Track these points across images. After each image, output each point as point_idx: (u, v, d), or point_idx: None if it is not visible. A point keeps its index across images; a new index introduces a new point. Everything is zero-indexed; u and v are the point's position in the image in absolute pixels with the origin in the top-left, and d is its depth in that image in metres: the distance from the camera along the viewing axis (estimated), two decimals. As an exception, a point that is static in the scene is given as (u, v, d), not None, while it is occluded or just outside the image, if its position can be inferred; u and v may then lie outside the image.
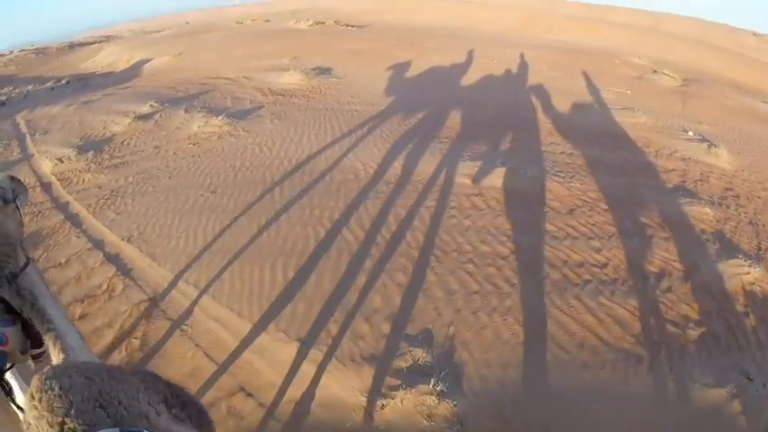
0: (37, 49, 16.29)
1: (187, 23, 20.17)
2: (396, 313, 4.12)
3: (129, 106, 8.69)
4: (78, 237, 5.13)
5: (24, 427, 1.14)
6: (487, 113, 8.20)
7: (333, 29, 15.76)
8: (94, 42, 16.50)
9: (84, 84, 10.98)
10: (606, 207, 5.53)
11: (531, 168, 6.25)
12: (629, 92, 10.29)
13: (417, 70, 10.77)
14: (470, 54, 12.24)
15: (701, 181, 6.40)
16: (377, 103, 8.38)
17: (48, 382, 1.14)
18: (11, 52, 15.64)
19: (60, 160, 6.87)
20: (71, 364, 1.33)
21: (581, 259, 4.68)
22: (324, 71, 10.36)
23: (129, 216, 5.36)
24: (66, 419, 1.06)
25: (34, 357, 1.79)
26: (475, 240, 5.00)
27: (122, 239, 4.97)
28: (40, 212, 5.70)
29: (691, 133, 7.96)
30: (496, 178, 6.06)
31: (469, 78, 10.36)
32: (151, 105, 8.51)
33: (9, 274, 1.71)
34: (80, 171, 6.57)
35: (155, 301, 4.18)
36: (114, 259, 4.72)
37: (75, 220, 5.46)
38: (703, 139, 7.68)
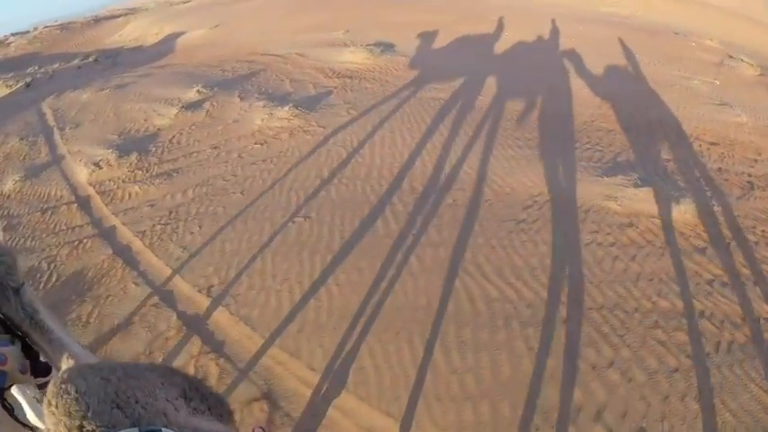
0: (61, 24, 15.03)
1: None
2: (603, 410, 2.86)
3: (171, 91, 7.25)
4: (137, 284, 3.78)
5: None
6: (591, 109, 6.67)
7: (378, -1, 14.08)
8: (120, 15, 15.11)
9: (113, 61, 9.57)
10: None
11: (672, 187, 4.86)
12: (717, 82, 8.81)
13: (492, 49, 9.22)
14: (541, 30, 10.59)
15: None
16: (463, 92, 6.91)
17: (63, 386, 1.11)
18: (35, 29, 14.43)
19: (98, 165, 5.50)
20: (85, 365, 1.29)
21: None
22: (387, 48, 8.82)
23: (200, 253, 4.00)
24: (84, 422, 1.04)
25: (40, 387, 1.73)
26: (651, 293, 3.60)
27: (200, 291, 3.62)
28: (79, 242, 4.36)
29: (793, 136, 6.52)
30: (644, 203, 4.61)
31: (552, 61, 8.77)
32: (198, 91, 7.07)
33: (14, 287, 1.69)
34: (124, 181, 5.21)
35: (271, 399, 2.82)
36: (194, 323, 3.38)
37: (127, 255, 4.12)
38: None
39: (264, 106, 6.49)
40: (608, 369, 3.02)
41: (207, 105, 6.75)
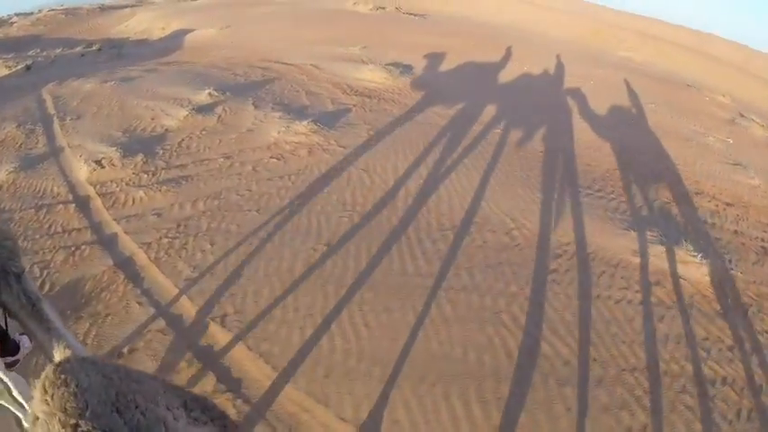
0: (67, 9, 14.57)
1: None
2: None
3: (180, 91, 6.89)
4: (140, 303, 3.42)
5: (29, 419, 1.07)
6: (612, 157, 6.54)
7: (395, 16, 13.99)
8: (126, 6, 14.72)
9: (118, 52, 9.17)
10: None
11: (694, 247, 4.72)
12: (731, 140, 8.84)
13: (510, 81, 9.09)
14: (559, 68, 10.52)
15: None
16: (485, 127, 6.70)
17: (63, 376, 1.07)
18: (39, 11, 13.94)
19: (99, 164, 5.11)
20: (86, 358, 1.25)
21: None
22: (406, 69, 8.60)
23: (212, 274, 3.65)
24: (80, 422, 1.00)
25: (8, 366, 1.73)
26: (679, 356, 3.55)
27: (213, 319, 3.25)
28: (76, 249, 3.97)
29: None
30: (669, 262, 4.50)
31: (571, 102, 8.63)
32: (210, 94, 6.73)
33: (15, 273, 1.67)
34: (128, 183, 4.83)
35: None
36: (207, 356, 3.02)
37: (129, 269, 3.75)
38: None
39: (281, 118, 6.18)
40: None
41: (219, 110, 6.40)
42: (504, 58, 10.58)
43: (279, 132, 5.83)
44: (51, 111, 6.36)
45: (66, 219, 4.44)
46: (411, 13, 14.86)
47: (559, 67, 10.57)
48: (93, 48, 9.43)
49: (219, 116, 6.28)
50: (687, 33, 21.06)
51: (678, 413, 3.07)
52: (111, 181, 4.95)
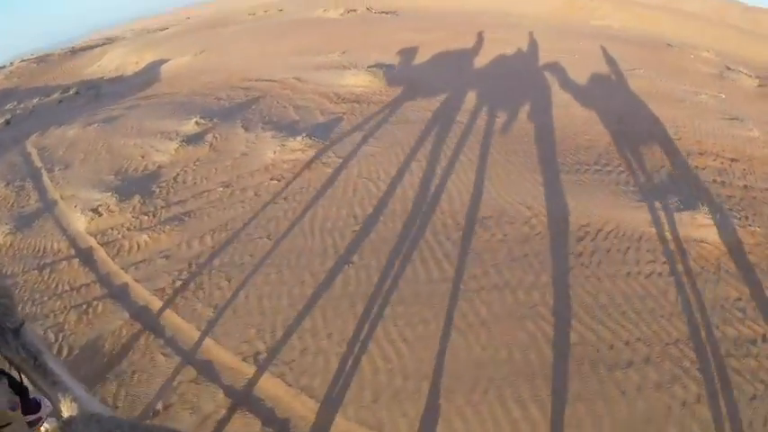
0: (38, 57, 14.47)
1: (188, 19, 18.20)
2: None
3: (166, 124, 6.73)
4: (165, 354, 3.27)
5: None
6: (612, 126, 6.42)
7: (367, 17, 13.85)
8: (96, 46, 14.55)
9: (95, 93, 9.00)
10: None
11: (711, 208, 4.63)
12: (723, 95, 8.78)
13: (492, 66, 8.95)
14: (541, 46, 10.38)
15: None
16: (480, 115, 6.60)
17: None
18: (11, 63, 13.85)
19: (96, 211, 4.95)
20: (91, 415, 1.27)
21: None
22: (388, 69, 8.47)
23: (235, 312, 3.49)
24: None
25: (30, 424, 1.70)
26: (718, 321, 3.47)
27: (245, 359, 3.12)
28: (88, 306, 3.82)
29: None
30: (690, 227, 4.40)
31: (559, 79, 8.50)
32: (197, 122, 6.56)
33: (12, 328, 1.65)
34: (129, 228, 4.67)
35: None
36: (247, 399, 2.89)
37: (147, 319, 3.59)
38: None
39: (273, 137, 6.02)
40: (697, 404, 2.85)
41: (209, 138, 6.24)
42: (482, 43, 10.46)
43: (274, 152, 5.67)
44: (38, 163, 6.18)
45: (72, 275, 4.28)
46: (383, 12, 14.72)
47: (539, 44, 10.45)
48: (70, 92, 9.25)
49: (211, 144, 6.12)
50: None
51: (727, 378, 3.01)
52: (112, 228, 4.79)
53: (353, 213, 4.50)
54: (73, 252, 4.59)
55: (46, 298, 4.08)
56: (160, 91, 8.86)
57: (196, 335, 3.37)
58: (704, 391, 2.94)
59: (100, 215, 4.96)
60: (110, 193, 5.22)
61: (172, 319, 3.54)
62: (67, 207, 5.25)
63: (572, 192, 4.80)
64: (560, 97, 7.32)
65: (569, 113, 6.66)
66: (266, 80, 8.58)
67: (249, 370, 3.06)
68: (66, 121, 7.51)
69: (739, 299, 3.65)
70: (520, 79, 8.20)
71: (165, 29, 15.59)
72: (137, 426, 1.23)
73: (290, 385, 2.93)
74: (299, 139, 5.83)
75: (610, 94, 7.68)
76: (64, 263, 4.48)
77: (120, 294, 3.92)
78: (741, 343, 3.25)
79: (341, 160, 5.44)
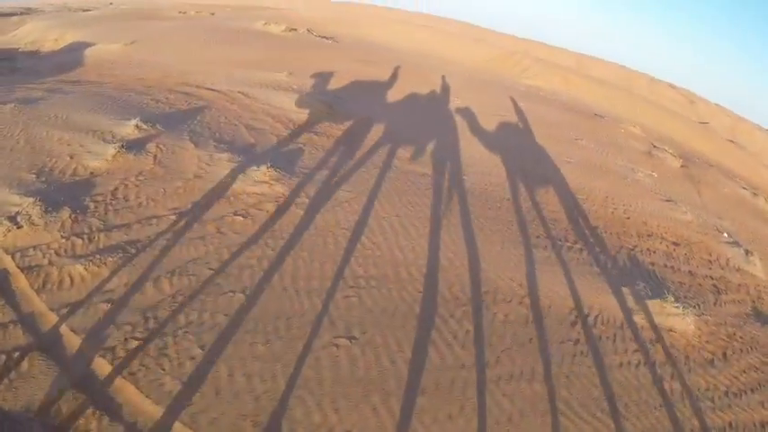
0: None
1: (111, 4, 16.58)
2: None
3: (99, 121, 5.79)
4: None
5: None
6: (568, 202, 6.71)
7: (308, 39, 13.42)
8: (13, 14, 12.60)
9: (10, 65, 7.63)
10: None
11: (672, 297, 5.05)
12: (655, 174, 9.56)
13: (445, 115, 9.00)
14: (488, 102, 10.61)
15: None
16: (446, 170, 6.49)
17: None
18: None
19: (14, 221, 4.00)
20: None
21: None
22: (341, 102, 8.12)
23: (219, 396, 2.87)
24: None
25: None
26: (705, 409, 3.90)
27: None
28: (8, 360, 2.94)
29: (726, 235, 7.38)
30: (659, 316, 4.78)
31: (513, 141, 8.71)
32: (137, 126, 5.71)
33: None
34: (59, 252, 3.83)
35: None
36: None
37: (95, 390, 2.84)
38: (736, 243, 7.09)
39: (230, 160, 5.39)
40: None
41: (152, 148, 5.43)
42: (431, 89, 10.51)
43: (237, 181, 5.00)
44: (-69, 145, 4.96)
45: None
46: (323, 36, 14.35)
47: (485, 100, 10.62)
48: (-21, 57, 7.75)
49: (155, 156, 5.31)
50: (567, 55, 22.76)
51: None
52: (35, 248, 3.88)
53: (341, 274, 4.04)
54: (-21, 272, 3.61)
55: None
56: (85, 78, 7.71)
57: (168, 421, 2.68)
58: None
59: (19, 226, 4.02)
60: (32, 199, 4.27)
61: (129, 394, 2.82)
62: (-30, 208, 4.19)
63: (552, 270, 4.87)
64: (523, 165, 7.36)
65: (532, 183, 6.70)
66: (208, 89, 7.82)
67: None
68: (-29, 93, 6.19)
69: (708, 389, 4.05)
70: (480, 135, 8.18)
71: (87, 10, 13.96)
72: None
73: None
74: (263, 168, 5.25)
75: (561, 165, 7.88)
76: (-37, 289, 3.50)
77: (51, 347, 3.10)
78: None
79: (312, 202, 4.93)
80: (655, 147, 11.11)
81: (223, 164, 5.35)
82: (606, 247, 5.71)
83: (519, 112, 10.26)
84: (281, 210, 4.73)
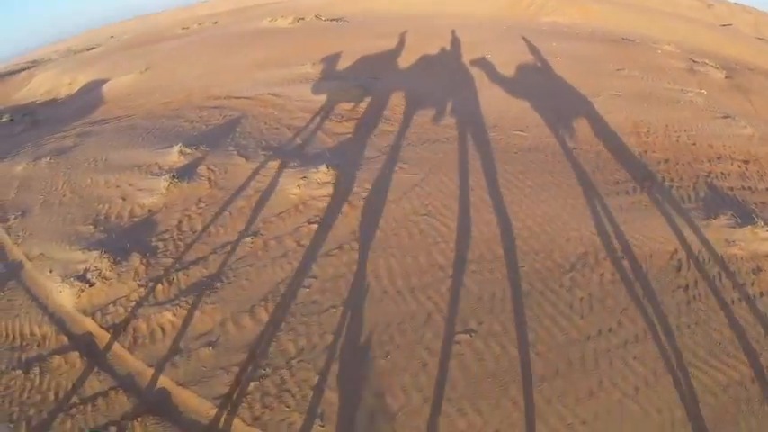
0: (-42, 85, 12.28)
1: (112, 37, 16.50)
2: None
3: (140, 155, 5.52)
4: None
5: None
6: (634, 138, 6.14)
7: (318, 25, 12.94)
8: (21, 70, 12.68)
9: (33, 119, 7.51)
10: None
11: (761, 219, 4.46)
12: (704, 91, 8.78)
13: (487, 75, 8.32)
14: (516, 48, 9.94)
15: None
16: (499, 129, 6.00)
17: None
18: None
19: (85, 279, 3.74)
20: None
21: None
22: (371, 82, 7.62)
23: (346, 416, 2.51)
24: None
25: None
26: None
27: None
28: (118, 428, 2.66)
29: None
30: (755, 242, 4.18)
31: (562, 87, 8.06)
32: (181, 152, 5.41)
33: None
34: (140, 303, 3.51)
35: None
36: None
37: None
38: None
39: (285, 166, 5.06)
40: None
41: (203, 171, 5.13)
42: (457, 48, 9.86)
43: (298, 187, 4.64)
44: (-16, 214, 4.77)
45: (74, 377, 3.08)
46: (333, 19, 13.82)
47: (513, 46, 9.98)
48: (3, 119, 7.60)
49: (209, 179, 5.01)
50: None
51: None
52: (114, 303, 3.62)
53: (435, 262, 3.66)
54: (66, 341, 3.39)
55: (45, 415, 2.88)
56: (111, 114, 7.47)
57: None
58: None
59: (91, 284, 3.76)
60: (96, 252, 4.02)
61: (259, 444, 2.49)
62: (39, 272, 3.99)
63: (640, 216, 4.38)
64: (574, 109, 6.80)
65: (587, 126, 6.15)
66: (237, 97, 7.48)
67: None
68: (8, 154, 6.02)
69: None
70: (520, 87, 7.61)
71: (91, 48, 13.87)
72: None
73: None
74: (322, 168, 4.87)
75: (616, 100, 7.28)
76: (57, 358, 3.26)
77: (161, 405, 2.80)
78: None
79: (381, 193, 4.56)
80: (695, 62, 10.28)
81: (279, 171, 4.99)
82: (683, 179, 5.18)
83: (551, 52, 9.59)
84: (354, 207, 4.36)
